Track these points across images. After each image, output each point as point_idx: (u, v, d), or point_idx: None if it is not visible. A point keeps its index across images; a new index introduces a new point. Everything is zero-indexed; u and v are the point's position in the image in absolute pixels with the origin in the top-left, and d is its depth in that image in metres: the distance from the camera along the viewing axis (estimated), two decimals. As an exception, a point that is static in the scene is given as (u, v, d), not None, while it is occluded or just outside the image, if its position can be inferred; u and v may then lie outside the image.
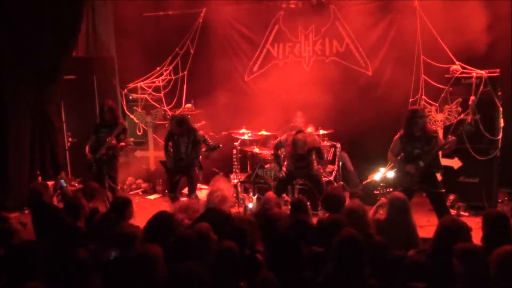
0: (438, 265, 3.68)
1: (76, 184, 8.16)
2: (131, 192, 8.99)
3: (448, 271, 3.62)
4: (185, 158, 7.14)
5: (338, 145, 7.93)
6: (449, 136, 6.23)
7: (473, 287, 3.53)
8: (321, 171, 6.95)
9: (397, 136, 6.17)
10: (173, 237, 4.17)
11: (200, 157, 7.27)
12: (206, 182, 8.61)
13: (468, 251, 3.66)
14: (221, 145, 7.17)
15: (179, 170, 7.27)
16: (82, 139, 8.08)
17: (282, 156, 7.17)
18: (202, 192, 7.78)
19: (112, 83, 9.73)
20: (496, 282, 3.51)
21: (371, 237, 4.35)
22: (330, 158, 8.00)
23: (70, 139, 9.09)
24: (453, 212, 6.85)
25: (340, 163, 7.91)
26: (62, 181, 7.30)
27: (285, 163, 7.05)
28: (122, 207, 5.15)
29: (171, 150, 7.32)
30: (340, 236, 3.77)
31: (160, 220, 4.57)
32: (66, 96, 8.91)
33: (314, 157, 6.90)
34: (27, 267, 3.63)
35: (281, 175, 7.05)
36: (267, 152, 7.89)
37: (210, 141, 7.18)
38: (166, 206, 7.95)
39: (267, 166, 7.72)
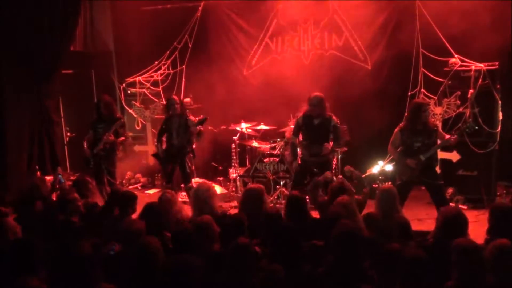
0: (437, 258, 3.68)
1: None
2: (130, 187, 8.98)
3: (445, 265, 3.61)
4: (176, 143, 7.09)
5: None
6: (453, 133, 6.24)
7: (466, 284, 3.51)
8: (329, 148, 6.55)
9: (397, 128, 6.12)
10: (172, 230, 4.24)
11: (194, 145, 7.22)
12: (205, 176, 8.63)
13: (465, 248, 3.60)
14: (207, 117, 7.02)
15: (171, 158, 7.21)
16: (80, 134, 8.07)
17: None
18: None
19: (110, 77, 9.71)
20: (491, 274, 3.51)
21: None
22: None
23: (68, 134, 9.09)
24: (452, 205, 6.84)
25: (339, 157, 7.86)
26: (60, 176, 7.29)
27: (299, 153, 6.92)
28: (128, 202, 5.17)
29: (164, 139, 7.30)
30: (338, 228, 3.77)
31: (149, 212, 4.66)
32: (64, 91, 8.89)
33: (330, 142, 6.63)
34: (26, 263, 3.62)
35: (295, 166, 6.90)
36: (266, 146, 7.88)
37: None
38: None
39: (266, 160, 7.70)
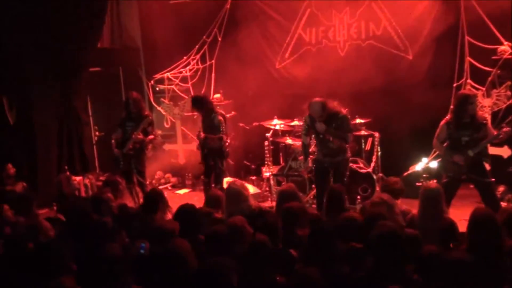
0: (480, 262, 3.41)
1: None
2: (160, 187, 8.85)
3: (492, 269, 3.45)
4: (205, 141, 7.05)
5: (377, 134, 7.65)
6: (503, 125, 5.84)
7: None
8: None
9: (443, 121, 5.80)
10: (204, 231, 4.17)
11: (227, 143, 7.12)
12: (237, 175, 8.41)
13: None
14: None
15: (205, 154, 7.18)
16: (109, 133, 8.08)
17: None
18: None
19: (138, 74, 9.70)
20: None
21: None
22: (368, 148, 7.72)
23: (97, 133, 9.11)
24: (503, 204, 6.44)
25: (379, 153, 7.57)
26: (87, 180, 7.30)
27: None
28: (155, 200, 5.15)
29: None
30: (378, 229, 3.62)
31: (184, 213, 4.61)
32: (92, 89, 8.94)
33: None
34: (55, 264, 3.57)
35: (309, 166, 6.67)
36: (300, 143, 7.58)
37: (224, 130, 7.01)
38: (196, 201, 7.78)
39: (300, 158, 7.44)
